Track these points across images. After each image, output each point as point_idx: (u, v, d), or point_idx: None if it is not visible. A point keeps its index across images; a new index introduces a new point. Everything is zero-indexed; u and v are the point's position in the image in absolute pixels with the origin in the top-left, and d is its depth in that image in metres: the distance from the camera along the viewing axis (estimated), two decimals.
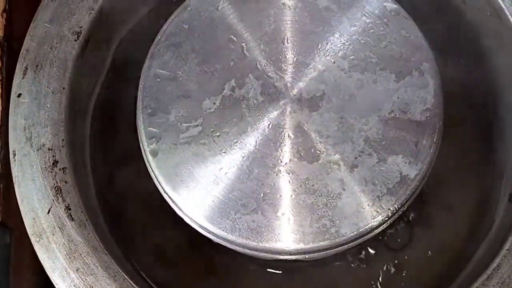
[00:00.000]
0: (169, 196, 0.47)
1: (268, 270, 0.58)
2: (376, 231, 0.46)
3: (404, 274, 0.57)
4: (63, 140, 0.51)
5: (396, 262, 0.58)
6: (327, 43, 0.48)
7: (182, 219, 0.48)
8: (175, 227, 0.57)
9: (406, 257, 0.57)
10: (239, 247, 0.46)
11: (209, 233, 0.46)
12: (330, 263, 0.58)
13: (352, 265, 0.58)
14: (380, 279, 0.57)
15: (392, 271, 0.57)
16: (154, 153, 0.47)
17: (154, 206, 0.55)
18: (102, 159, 0.57)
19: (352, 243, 0.46)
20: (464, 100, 0.58)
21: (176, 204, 0.47)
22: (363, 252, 0.58)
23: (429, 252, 0.57)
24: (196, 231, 0.48)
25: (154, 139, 0.47)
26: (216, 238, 0.46)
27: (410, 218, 0.58)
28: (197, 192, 0.46)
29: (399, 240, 0.58)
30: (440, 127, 0.47)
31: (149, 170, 0.48)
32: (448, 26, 0.58)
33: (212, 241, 0.55)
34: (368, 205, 0.45)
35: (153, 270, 0.57)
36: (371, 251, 0.58)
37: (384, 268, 0.57)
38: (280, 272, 0.58)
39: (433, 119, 0.47)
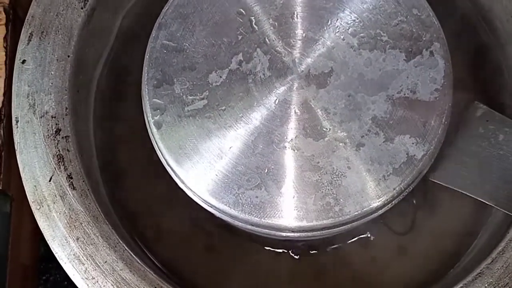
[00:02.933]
0: (172, 169, 0.46)
1: (273, 250, 0.58)
2: (381, 211, 0.46)
3: (406, 255, 0.57)
4: (66, 108, 0.50)
5: (399, 245, 0.57)
6: (337, 19, 0.48)
7: (185, 194, 0.48)
8: (179, 202, 0.57)
9: (409, 241, 0.57)
10: (242, 223, 0.46)
11: (211, 207, 0.46)
12: (333, 245, 0.58)
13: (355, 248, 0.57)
14: (383, 262, 0.57)
15: (395, 255, 0.57)
16: (158, 125, 0.46)
17: (158, 179, 0.55)
18: (106, 130, 0.57)
19: (355, 222, 0.46)
20: None
21: (179, 177, 0.46)
22: (366, 235, 0.57)
23: (433, 235, 0.57)
24: (200, 207, 0.48)
25: (158, 110, 0.46)
26: (218, 212, 0.46)
27: (414, 202, 0.58)
28: (200, 165, 0.46)
29: (402, 223, 0.57)
30: (449, 108, 0.46)
31: (152, 142, 0.47)
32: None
33: (215, 218, 0.55)
34: (373, 184, 0.45)
35: (152, 243, 0.57)
36: (374, 235, 0.57)
37: (389, 251, 0.57)
38: (286, 252, 0.58)
39: (442, 100, 0.46)
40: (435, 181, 0.47)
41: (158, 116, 0.46)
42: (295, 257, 0.57)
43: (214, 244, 0.58)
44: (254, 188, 0.45)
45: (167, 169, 0.47)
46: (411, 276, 0.56)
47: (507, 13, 0.54)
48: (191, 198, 0.47)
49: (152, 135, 0.47)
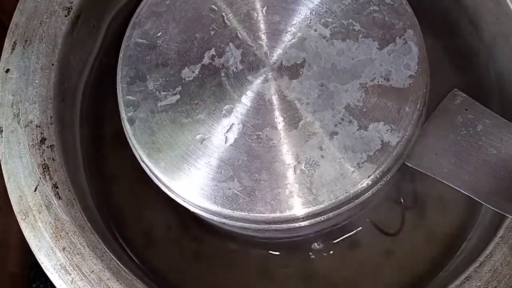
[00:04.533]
0: (145, 164, 0.46)
1: (263, 252, 0.57)
2: (357, 201, 0.45)
3: (396, 260, 0.55)
4: (51, 117, 0.51)
5: (388, 247, 0.56)
6: (309, 11, 0.47)
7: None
8: (165, 207, 0.57)
9: (398, 243, 0.56)
10: (215, 216, 0.45)
11: (184, 201, 0.46)
12: (322, 247, 0.56)
13: (343, 249, 0.56)
14: (372, 264, 0.55)
15: (383, 257, 0.56)
16: (132, 121, 0.46)
17: (146, 186, 0.54)
18: (92, 138, 0.57)
19: (330, 212, 0.45)
20: None
21: (152, 172, 0.46)
22: (355, 237, 0.56)
23: (422, 238, 0.55)
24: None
25: (131, 107, 0.47)
26: (191, 207, 0.46)
27: (402, 203, 0.56)
28: (173, 159, 0.45)
29: (391, 225, 0.56)
30: (423, 94, 0.45)
31: (127, 138, 0.47)
32: None
33: (202, 223, 0.54)
34: (348, 172, 0.44)
35: (141, 250, 0.56)
36: (363, 237, 0.56)
37: (376, 253, 0.56)
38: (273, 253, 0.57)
39: (417, 86, 0.45)
40: (411, 166, 0.46)
41: (131, 112, 0.47)
42: (284, 259, 0.56)
43: (203, 250, 0.57)
44: (227, 180, 0.44)
45: (141, 164, 0.47)
46: (398, 279, 0.54)
47: (492, 15, 0.54)
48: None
49: (126, 131, 0.47)
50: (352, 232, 0.56)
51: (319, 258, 0.56)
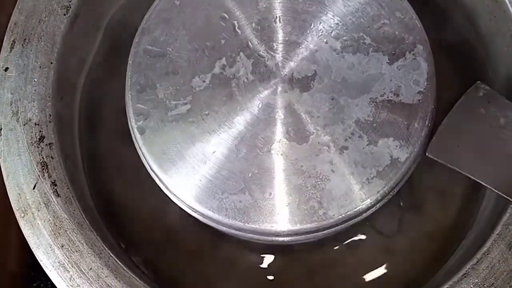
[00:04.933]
0: (156, 174, 0.46)
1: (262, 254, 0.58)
2: (365, 215, 0.46)
3: (393, 258, 0.57)
4: (50, 115, 0.50)
5: (386, 247, 0.57)
6: (320, 22, 0.48)
7: (170, 199, 0.48)
8: (164, 206, 0.57)
9: (396, 242, 0.57)
10: (225, 227, 0.46)
11: (195, 212, 0.46)
12: (321, 248, 0.58)
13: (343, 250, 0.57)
14: (369, 264, 0.57)
15: (382, 257, 0.57)
16: (142, 131, 0.46)
17: (143, 185, 0.55)
18: (91, 136, 0.56)
19: (340, 226, 0.45)
20: None
21: (162, 183, 0.46)
22: (354, 237, 0.57)
23: (420, 236, 0.57)
24: (186, 213, 0.48)
25: (142, 116, 0.46)
26: (202, 217, 0.46)
27: (401, 203, 0.57)
28: (184, 170, 0.45)
29: (389, 225, 0.57)
30: (432, 110, 0.46)
31: (136, 147, 0.47)
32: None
33: (204, 224, 0.54)
34: (357, 187, 0.45)
35: (140, 248, 0.57)
36: (362, 237, 0.57)
37: (374, 253, 0.57)
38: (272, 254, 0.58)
39: (426, 102, 0.46)
40: (431, 156, 0.46)
41: (142, 121, 0.46)
42: (283, 260, 0.57)
43: (202, 250, 0.58)
44: (238, 192, 0.45)
45: (151, 175, 0.47)
46: (397, 277, 0.56)
47: (489, 12, 0.54)
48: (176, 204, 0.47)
49: (136, 140, 0.47)
50: (352, 236, 0.57)
51: (318, 258, 0.57)
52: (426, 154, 0.46)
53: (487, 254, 0.47)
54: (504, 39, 0.54)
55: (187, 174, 0.45)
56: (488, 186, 0.46)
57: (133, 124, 0.46)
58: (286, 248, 0.57)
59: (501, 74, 0.55)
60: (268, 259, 0.57)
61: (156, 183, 0.47)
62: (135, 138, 0.46)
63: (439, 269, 0.53)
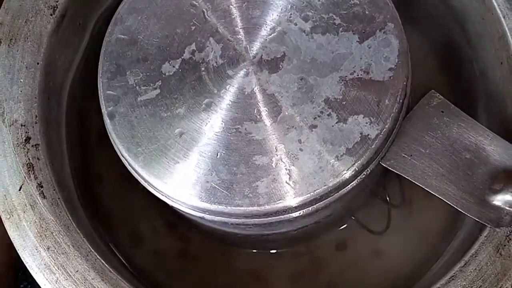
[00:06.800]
0: (124, 158, 0.46)
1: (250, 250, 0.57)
2: (337, 195, 0.44)
3: (382, 259, 0.55)
4: (36, 116, 0.50)
5: (374, 246, 0.55)
6: (289, 5, 0.47)
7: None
8: (152, 207, 0.57)
9: (384, 243, 0.55)
10: (193, 210, 0.45)
11: (162, 195, 0.45)
12: (309, 248, 0.56)
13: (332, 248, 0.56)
14: (358, 262, 0.55)
15: (369, 256, 0.55)
16: (112, 116, 0.46)
17: (133, 185, 0.54)
18: (78, 137, 0.57)
19: (310, 206, 0.44)
20: None
21: (131, 166, 0.46)
22: (342, 236, 0.56)
23: (408, 237, 0.55)
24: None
25: (111, 102, 0.47)
26: (169, 200, 0.45)
27: (390, 201, 0.56)
28: (152, 153, 0.45)
29: (377, 223, 0.55)
30: (404, 87, 0.45)
31: (108, 133, 0.47)
32: None
33: (189, 222, 0.54)
34: (327, 165, 0.44)
35: (127, 249, 0.56)
36: (350, 235, 0.55)
37: (363, 253, 0.55)
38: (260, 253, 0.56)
39: (397, 79, 0.45)
40: (385, 165, 0.45)
41: (112, 107, 0.47)
42: (270, 259, 0.56)
43: (189, 250, 0.57)
44: (205, 173, 0.44)
45: (121, 158, 0.47)
46: (384, 278, 0.54)
47: (478, 14, 0.53)
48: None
49: (106, 126, 0.47)
50: (339, 231, 0.55)
51: (306, 258, 0.55)
52: (381, 163, 0.45)
53: (475, 257, 0.45)
54: (492, 40, 0.53)
55: (155, 156, 0.45)
56: (439, 197, 0.45)
57: (104, 110, 0.47)
58: (273, 247, 0.56)
59: (489, 75, 0.54)
60: (255, 259, 0.56)
61: (128, 169, 0.47)
62: (106, 124, 0.47)
63: (427, 270, 0.51)
